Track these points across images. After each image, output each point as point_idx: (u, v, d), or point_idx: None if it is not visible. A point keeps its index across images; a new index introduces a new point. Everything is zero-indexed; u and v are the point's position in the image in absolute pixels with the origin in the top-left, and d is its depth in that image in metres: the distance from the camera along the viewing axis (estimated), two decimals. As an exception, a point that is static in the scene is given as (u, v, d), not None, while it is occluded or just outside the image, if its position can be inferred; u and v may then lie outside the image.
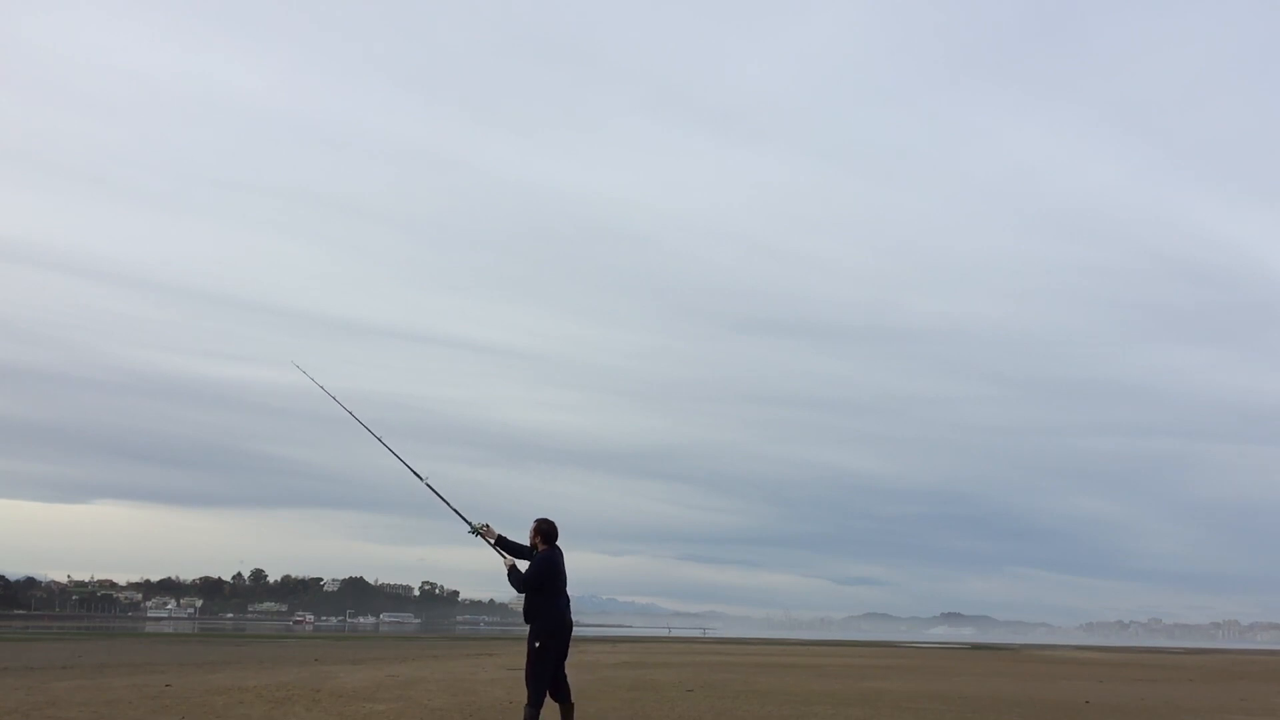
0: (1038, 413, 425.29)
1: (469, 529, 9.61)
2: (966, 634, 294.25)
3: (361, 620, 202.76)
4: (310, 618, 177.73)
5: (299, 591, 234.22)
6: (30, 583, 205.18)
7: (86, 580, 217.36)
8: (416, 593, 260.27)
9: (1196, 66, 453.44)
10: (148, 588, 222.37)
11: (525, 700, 9.32)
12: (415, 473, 10.10)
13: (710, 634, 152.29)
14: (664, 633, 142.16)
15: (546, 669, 9.26)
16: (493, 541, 9.60)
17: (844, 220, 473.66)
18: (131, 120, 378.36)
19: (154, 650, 33.14)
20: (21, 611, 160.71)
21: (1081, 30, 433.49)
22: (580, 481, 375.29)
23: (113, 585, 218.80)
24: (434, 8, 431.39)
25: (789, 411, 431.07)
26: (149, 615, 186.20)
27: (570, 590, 9.51)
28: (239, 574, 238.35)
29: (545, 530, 9.48)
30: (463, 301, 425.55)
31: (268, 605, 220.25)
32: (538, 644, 9.22)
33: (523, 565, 9.48)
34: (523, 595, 9.41)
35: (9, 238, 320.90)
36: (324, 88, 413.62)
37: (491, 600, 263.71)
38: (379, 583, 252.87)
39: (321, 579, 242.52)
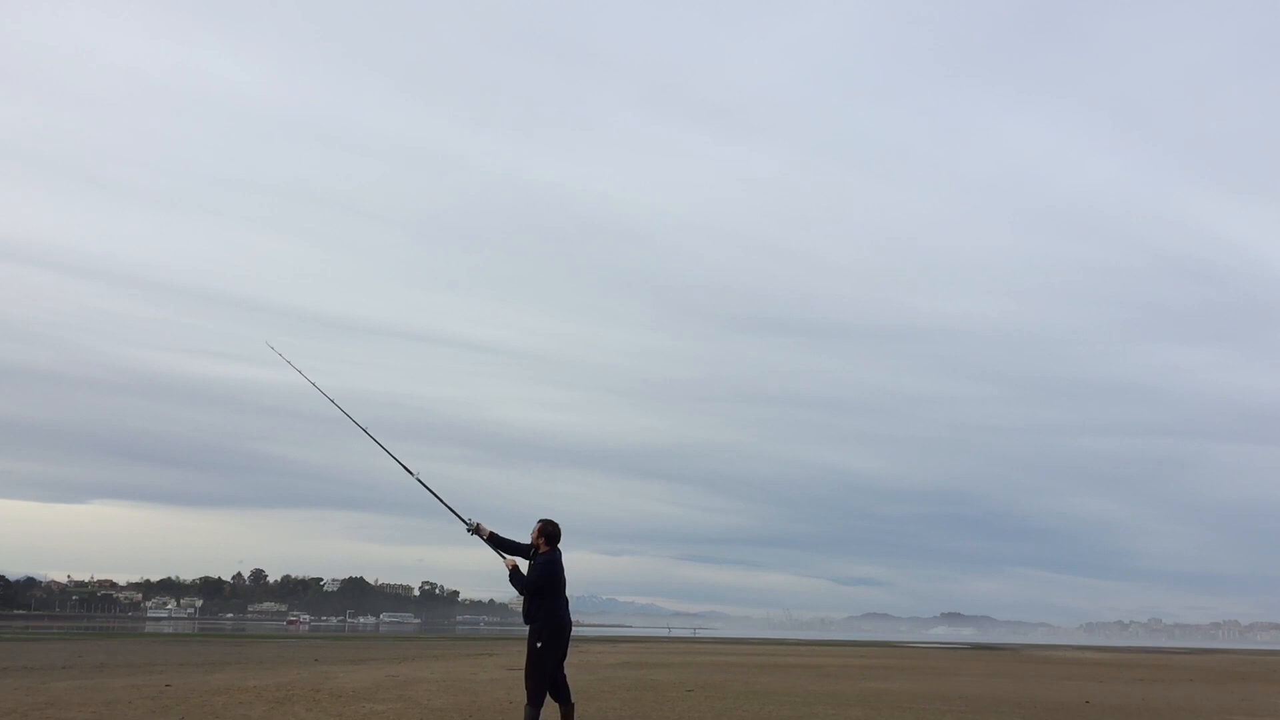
0: (1038, 412, 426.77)
1: (467, 528, 9.60)
2: (967, 634, 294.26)
3: (361, 620, 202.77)
4: (305, 618, 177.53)
5: (299, 592, 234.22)
6: (30, 583, 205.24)
7: (86, 580, 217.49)
8: (416, 593, 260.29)
9: (1196, 62, 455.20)
10: (147, 588, 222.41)
11: (525, 700, 9.31)
12: (403, 465, 10.06)
13: (705, 633, 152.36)
14: (664, 633, 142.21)
15: (547, 669, 9.25)
16: (485, 538, 9.57)
17: (843, 217, 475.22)
18: (125, 117, 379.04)
19: (153, 650, 33.13)
20: (21, 611, 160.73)
21: (1080, 26, 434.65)
22: (580, 481, 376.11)
23: (113, 585, 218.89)
24: (430, 3, 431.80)
25: (789, 411, 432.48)
26: (149, 615, 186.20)
27: (570, 590, 9.50)
28: (239, 574, 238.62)
29: (549, 532, 9.46)
30: (459, 300, 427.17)
31: (267, 605, 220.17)
32: (539, 644, 9.21)
33: (524, 565, 9.46)
34: (522, 595, 9.41)
35: (2, 236, 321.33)
36: (320, 84, 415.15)
37: (491, 600, 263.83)
38: (379, 583, 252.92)
39: (321, 579, 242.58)
